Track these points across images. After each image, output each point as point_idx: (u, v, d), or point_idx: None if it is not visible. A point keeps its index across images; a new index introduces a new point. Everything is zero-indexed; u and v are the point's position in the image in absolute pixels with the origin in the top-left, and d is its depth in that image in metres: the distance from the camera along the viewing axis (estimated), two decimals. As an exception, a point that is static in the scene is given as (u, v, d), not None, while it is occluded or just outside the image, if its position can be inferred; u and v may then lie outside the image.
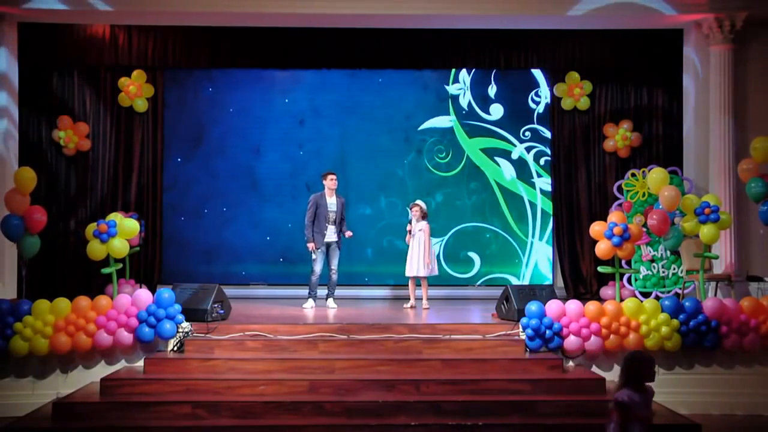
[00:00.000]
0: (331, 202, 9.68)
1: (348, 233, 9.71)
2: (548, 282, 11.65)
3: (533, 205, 11.83)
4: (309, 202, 9.72)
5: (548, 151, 11.83)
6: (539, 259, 11.79)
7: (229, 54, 11.54)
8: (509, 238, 11.81)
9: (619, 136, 11.52)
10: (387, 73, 11.88)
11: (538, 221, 11.81)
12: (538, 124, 11.86)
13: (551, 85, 11.79)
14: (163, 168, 11.85)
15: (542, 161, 11.83)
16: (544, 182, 11.81)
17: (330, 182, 9.67)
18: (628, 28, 10.99)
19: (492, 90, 11.87)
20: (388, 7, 10.23)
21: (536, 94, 11.87)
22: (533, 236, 11.81)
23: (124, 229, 8.42)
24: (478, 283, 11.74)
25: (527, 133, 11.85)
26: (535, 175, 11.84)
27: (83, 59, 11.43)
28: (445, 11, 10.29)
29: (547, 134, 11.83)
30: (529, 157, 11.85)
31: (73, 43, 11.33)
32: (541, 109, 11.88)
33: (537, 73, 11.88)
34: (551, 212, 11.78)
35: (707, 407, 7.61)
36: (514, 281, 11.70)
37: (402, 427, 6.34)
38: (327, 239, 9.64)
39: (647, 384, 4.74)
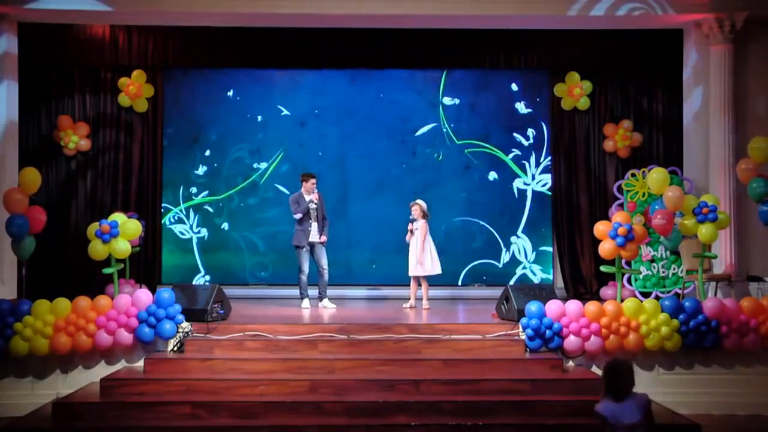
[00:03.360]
0: (310, 199, 9.63)
1: (323, 238, 9.65)
2: (522, 265, 12.02)
3: (513, 201, 12.01)
4: (290, 203, 9.71)
5: (520, 153, 12.06)
6: (517, 247, 12.08)
7: (229, 54, 11.56)
8: (492, 230, 12.01)
9: (619, 136, 11.53)
10: (385, 80, 12.01)
11: (516, 215, 12.05)
12: (517, 131, 12.03)
13: (551, 85, 11.83)
14: (163, 168, 11.86)
15: (520, 163, 12.09)
16: (521, 181, 12.08)
17: (310, 185, 9.62)
18: (628, 28, 10.98)
19: (479, 99, 12.03)
20: (388, 7, 10.21)
21: (515, 106, 12.05)
22: (512, 228, 12.03)
23: (127, 230, 8.41)
24: (468, 266, 11.98)
25: (508, 138, 12.04)
26: (513, 174, 12.07)
27: (83, 59, 11.44)
28: (445, 11, 10.27)
29: (522, 140, 12.04)
30: (509, 159, 12.04)
31: (73, 43, 11.34)
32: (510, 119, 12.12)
33: (514, 87, 12.04)
34: (527, 206, 12.06)
35: (707, 407, 7.60)
36: (497, 266, 12.00)
37: (402, 427, 6.34)
38: (311, 239, 9.59)
39: (638, 392, 4.65)
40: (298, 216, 9.61)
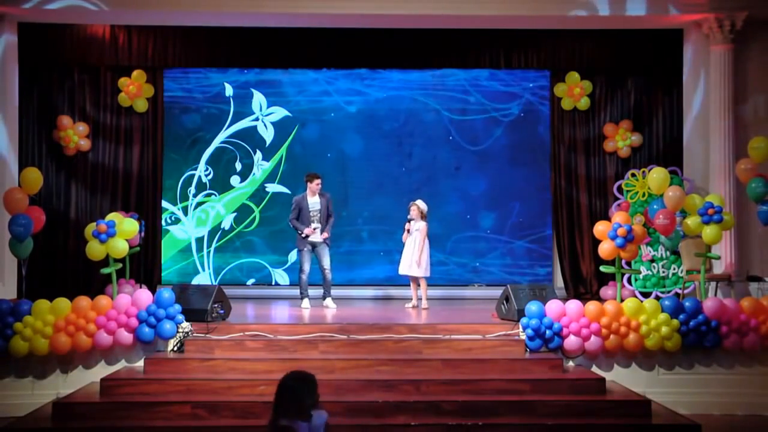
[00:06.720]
0: (314, 201, 9.59)
1: (324, 235, 9.55)
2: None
3: (504, 200, 12.08)
4: (293, 203, 9.68)
5: (520, 153, 12.10)
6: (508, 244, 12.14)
7: (228, 54, 11.57)
8: (485, 227, 12.05)
9: (619, 136, 11.54)
10: (385, 80, 12.01)
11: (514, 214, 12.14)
12: (517, 131, 12.07)
13: (551, 85, 11.85)
14: (163, 168, 11.86)
15: (519, 162, 12.16)
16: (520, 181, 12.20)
17: (315, 186, 9.60)
18: (628, 28, 10.99)
19: (478, 99, 12.05)
20: (389, 7, 10.23)
21: (515, 105, 12.06)
22: (503, 225, 12.08)
23: (124, 229, 8.40)
24: (465, 266, 12.00)
25: (508, 138, 12.06)
26: (513, 174, 12.13)
27: (83, 59, 11.43)
28: (445, 11, 10.29)
29: (521, 140, 12.11)
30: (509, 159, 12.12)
31: (73, 43, 11.33)
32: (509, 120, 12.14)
33: (514, 86, 12.05)
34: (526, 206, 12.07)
35: (707, 407, 7.59)
36: (495, 265, 12.04)
37: (402, 427, 6.33)
38: (312, 239, 9.55)
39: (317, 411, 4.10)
40: (291, 225, 9.64)
